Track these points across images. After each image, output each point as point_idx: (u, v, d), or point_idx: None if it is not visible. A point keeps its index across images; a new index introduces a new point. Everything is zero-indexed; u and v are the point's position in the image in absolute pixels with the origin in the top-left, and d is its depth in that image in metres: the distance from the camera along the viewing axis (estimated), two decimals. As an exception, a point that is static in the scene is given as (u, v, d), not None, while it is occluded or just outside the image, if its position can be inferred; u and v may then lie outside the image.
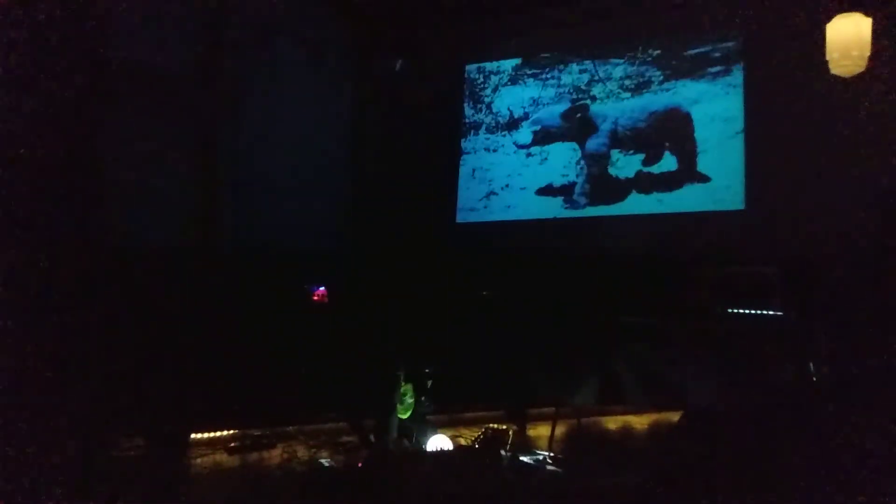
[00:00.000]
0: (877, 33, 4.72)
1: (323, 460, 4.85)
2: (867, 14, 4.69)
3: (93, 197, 4.85)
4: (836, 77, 4.86)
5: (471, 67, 8.50)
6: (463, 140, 8.44)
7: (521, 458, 4.80)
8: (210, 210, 7.16)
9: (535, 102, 7.96)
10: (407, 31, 8.14)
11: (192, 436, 5.07)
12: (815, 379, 5.19)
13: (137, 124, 6.34)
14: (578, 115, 7.75)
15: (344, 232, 8.12)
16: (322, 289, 7.09)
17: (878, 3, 4.82)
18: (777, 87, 6.14)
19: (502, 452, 4.77)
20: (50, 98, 4.13)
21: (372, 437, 5.03)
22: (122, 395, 4.43)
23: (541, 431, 5.39)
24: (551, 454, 4.89)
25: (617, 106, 7.52)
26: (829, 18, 4.80)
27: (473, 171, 8.30)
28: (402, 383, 5.00)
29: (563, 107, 7.86)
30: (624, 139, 7.41)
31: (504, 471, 4.54)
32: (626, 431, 5.78)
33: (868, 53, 4.69)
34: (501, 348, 6.04)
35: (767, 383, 5.30)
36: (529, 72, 8.08)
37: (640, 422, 5.90)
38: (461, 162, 8.38)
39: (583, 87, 7.69)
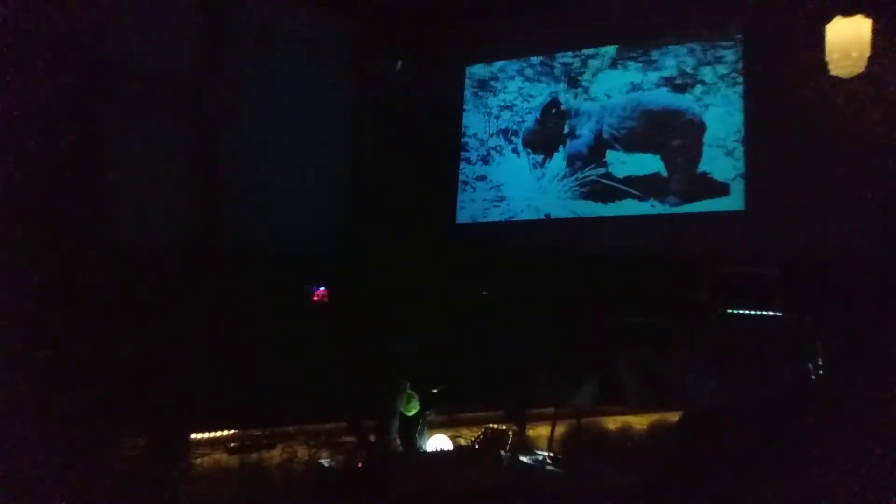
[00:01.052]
0: (877, 34, 4.72)
1: (323, 460, 4.84)
2: (867, 15, 4.70)
3: (93, 197, 4.85)
4: (836, 78, 4.86)
5: (566, 52, 7.98)
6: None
7: (521, 458, 4.79)
8: (210, 210, 7.16)
9: (635, 88, 7.48)
10: (407, 32, 8.14)
11: (192, 436, 5.06)
12: (814, 379, 5.19)
13: (137, 124, 6.34)
14: (553, 113, 7.76)
15: (344, 232, 8.12)
16: (322, 289, 7.09)
17: (878, 3, 4.82)
18: (777, 88, 6.13)
19: (502, 453, 4.77)
20: (50, 98, 4.13)
21: (372, 438, 5.03)
22: (123, 395, 4.42)
23: (540, 432, 5.38)
24: (551, 454, 4.89)
25: (609, 104, 7.51)
26: (829, 19, 4.80)
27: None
28: (409, 392, 5.00)
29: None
30: (621, 139, 7.41)
31: (504, 471, 4.54)
32: (626, 432, 5.77)
33: (868, 54, 4.69)
34: (501, 348, 6.04)
35: (767, 384, 5.30)
36: (630, 54, 7.53)
37: (639, 422, 5.89)
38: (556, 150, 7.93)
39: (689, 72, 7.18)
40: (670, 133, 7.14)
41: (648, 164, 7.20)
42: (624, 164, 7.35)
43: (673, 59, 7.21)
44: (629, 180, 7.28)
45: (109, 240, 5.39)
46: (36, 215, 4.11)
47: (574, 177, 7.68)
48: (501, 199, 8.18)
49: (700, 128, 6.99)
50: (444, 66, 8.34)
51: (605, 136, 7.50)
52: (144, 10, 6.31)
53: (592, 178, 7.53)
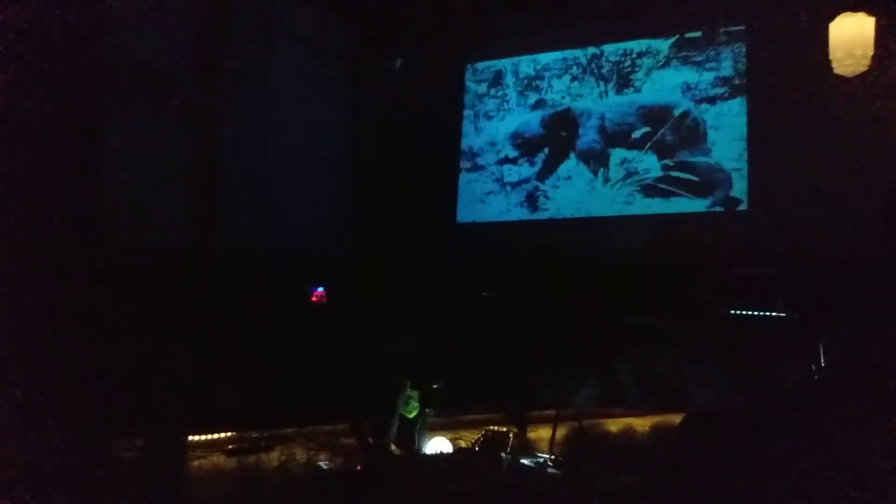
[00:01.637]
0: (881, 33, 4.70)
1: (321, 463, 4.82)
2: (870, 13, 4.67)
3: (93, 197, 4.83)
4: (839, 77, 4.84)
5: (612, 48, 7.66)
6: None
7: (522, 460, 4.77)
8: (210, 211, 7.15)
9: (689, 88, 7.16)
10: (407, 31, 8.11)
11: (191, 438, 5.05)
12: (817, 379, 5.17)
13: (137, 124, 6.33)
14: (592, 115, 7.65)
15: (343, 232, 8.10)
16: (321, 290, 7.07)
17: (881, 2, 4.79)
18: (780, 87, 6.11)
19: (502, 455, 4.75)
20: (50, 98, 4.11)
21: (371, 440, 5.01)
22: (121, 397, 4.40)
23: (541, 434, 5.36)
24: (552, 457, 4.86)
25: (613, 102, 7.44)
26: (832, 18, 4.78)
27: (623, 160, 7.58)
28: (409, 390, 4.97)
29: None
30: (620, 138, 7.36)
31: (504, 473, 4.52)
32: (628, 434, 5.75)
33: (871, 53, 4.67)
34: (502, 349, 6.02)
35: (770, 384, 5.28)
36: (682, 54, 7.20)
37: (641, 424, 5.87)
38: (608, 154, 7.61)
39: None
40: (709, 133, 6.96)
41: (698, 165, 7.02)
42: (675, 164, 7.12)
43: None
44: (682, 182, 7.06)
45: (109, 239, 5.37)
46: (35, 215, 4.09)
47: (622, 179, 7.42)
48: (549, 201, 7.92)
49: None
50: (444, 65, 8.31)
51: (653, 137, 7.28)
52: (144, 10, 6.29)
53: (647, 180, 7.25)
